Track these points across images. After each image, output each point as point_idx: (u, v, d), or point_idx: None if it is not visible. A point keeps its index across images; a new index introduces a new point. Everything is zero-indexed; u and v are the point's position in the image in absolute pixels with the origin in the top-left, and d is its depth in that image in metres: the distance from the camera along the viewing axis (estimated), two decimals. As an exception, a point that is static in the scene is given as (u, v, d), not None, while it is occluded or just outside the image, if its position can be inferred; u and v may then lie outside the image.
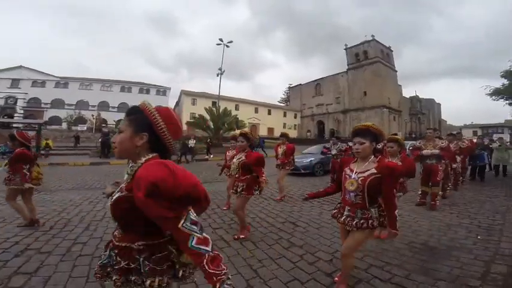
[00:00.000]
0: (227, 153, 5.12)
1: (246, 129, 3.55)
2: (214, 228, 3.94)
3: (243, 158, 3.40)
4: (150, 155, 1.03)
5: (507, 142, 9.78)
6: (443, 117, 62.08)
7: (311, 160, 9.84)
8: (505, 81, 20.33)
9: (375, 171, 1.96)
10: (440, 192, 5.15)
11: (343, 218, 2.10)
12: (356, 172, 2.05)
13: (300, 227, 4.00)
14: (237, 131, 24.22)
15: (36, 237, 3.46)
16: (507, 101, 21.47)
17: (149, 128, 1.02)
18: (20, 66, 38.72)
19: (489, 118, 64.33)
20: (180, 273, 1.03)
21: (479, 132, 44.58)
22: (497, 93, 21.36)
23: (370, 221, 1.98)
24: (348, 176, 2.09)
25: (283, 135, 6.39)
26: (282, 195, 5.81)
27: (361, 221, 1.99)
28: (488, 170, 9.43)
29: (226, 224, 4.18)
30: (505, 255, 2.94)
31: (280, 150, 6.14)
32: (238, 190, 3.39)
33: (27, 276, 2.49)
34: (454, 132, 7.62)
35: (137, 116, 1.04)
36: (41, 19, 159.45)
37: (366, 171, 2.00)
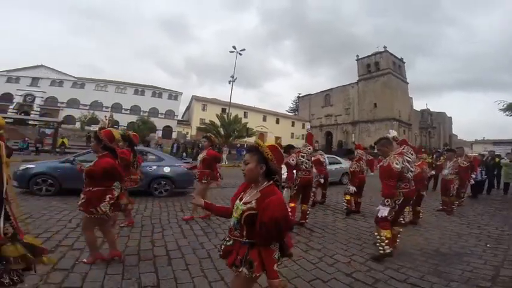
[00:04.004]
0: None
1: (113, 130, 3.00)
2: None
3: (92, 164, 2.69)
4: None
5: None
6: (454, 131, 60.68)
7: None
8: (519, 96, 19.89)
9: None
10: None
11: None
12: None
13: (317, 233, 4.19)
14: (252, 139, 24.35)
15: (66, 233, 3.53)
16: (521, 117, 21.01)
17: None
18: (41, 65, 39.91)
19: (502, 133, 62.55)
20: None
21: (491, 148, 43.76)
22: (511, 108, 20.87)
23: None
24: None
25: (205, 137, 4.84)
26: (192, 215, 4.53)
27: None
28: (490, 187, 8.86)
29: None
30: (514, 262, 3.10)
31: (199, 157, 4.72)
32: (78, 204, 2.68)
33: (64, 272, 2.51)
34: (454, 148, 6.85)
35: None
36: (56, 20, 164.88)
37: None
